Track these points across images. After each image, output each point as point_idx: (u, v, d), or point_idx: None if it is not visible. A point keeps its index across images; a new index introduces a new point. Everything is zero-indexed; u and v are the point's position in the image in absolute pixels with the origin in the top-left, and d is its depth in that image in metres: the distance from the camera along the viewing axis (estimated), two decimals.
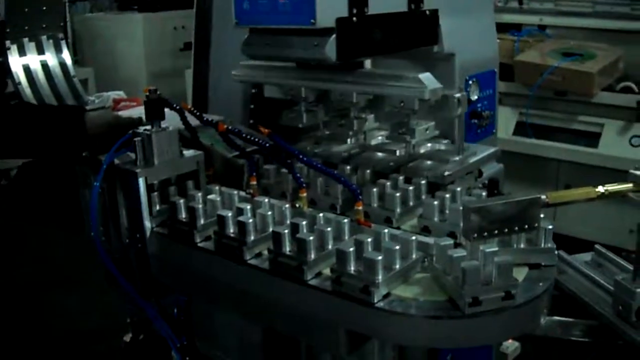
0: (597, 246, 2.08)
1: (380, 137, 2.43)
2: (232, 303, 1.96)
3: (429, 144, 2.35)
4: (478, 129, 2.58)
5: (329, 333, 1.67)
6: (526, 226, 1.62)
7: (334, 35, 1.89)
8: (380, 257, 1.53)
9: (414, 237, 1.65)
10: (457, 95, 2.12)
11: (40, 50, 2.60)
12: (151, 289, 2.11)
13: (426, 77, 2.03)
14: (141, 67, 8.22)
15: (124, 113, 2.63)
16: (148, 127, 2.05)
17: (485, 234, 1.58)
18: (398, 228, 1.90)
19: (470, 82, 2.47)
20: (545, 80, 4.93)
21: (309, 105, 2.40)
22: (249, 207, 1.87)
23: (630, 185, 1.69)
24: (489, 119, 2.61)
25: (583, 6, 5.58)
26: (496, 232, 1.59)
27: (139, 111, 2.61)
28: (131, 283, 2.11)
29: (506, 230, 1.60)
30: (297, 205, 1.94)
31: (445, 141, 2.39)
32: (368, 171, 2.18)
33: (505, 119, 5.09)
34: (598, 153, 4.87)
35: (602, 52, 5.05)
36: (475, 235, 1.57)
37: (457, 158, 2.22)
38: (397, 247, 1.58)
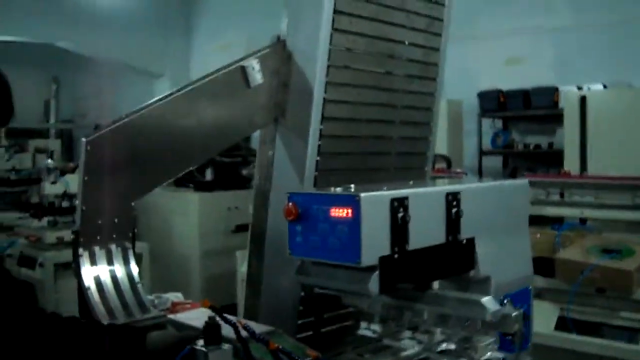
0: None
1: (445, 344, 2.61)
2: None
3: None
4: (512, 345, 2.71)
5: None
6: None
7: (376, 272, 2.09)
8: None
9: None
10: (515, 313, 2.34)
11: (109, 258, 2.83)
12: None
13: (488, 300, 2.30)
14: (195, 246, 8.46)
15: (180, 316, 2.84)
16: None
17: None
18: None
19: (505, 301, 2.61)
20: (586, 277, 5.03)
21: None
22: None
23: None
24: (523, 336, 2.73)
25: (623, 198, 5.77)
26: None
27: (194, 315, 2.82)
28: None
29: None
30: None
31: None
32: None
33: (547, 315, 5.16)
34: (639, 350, 4.89)
35: None
36: None
37: None
38: None
